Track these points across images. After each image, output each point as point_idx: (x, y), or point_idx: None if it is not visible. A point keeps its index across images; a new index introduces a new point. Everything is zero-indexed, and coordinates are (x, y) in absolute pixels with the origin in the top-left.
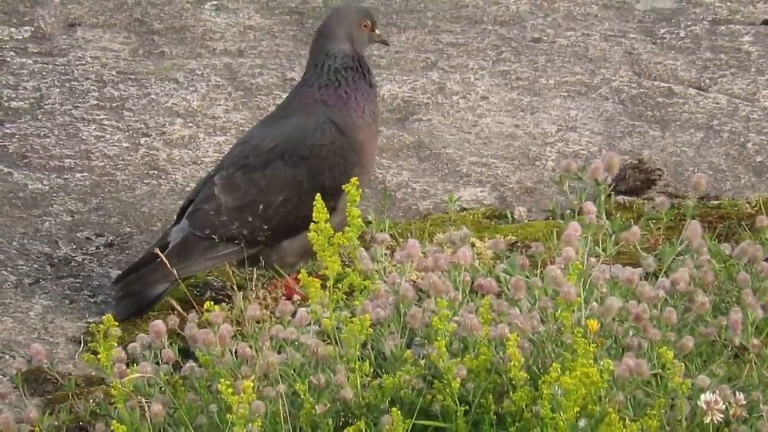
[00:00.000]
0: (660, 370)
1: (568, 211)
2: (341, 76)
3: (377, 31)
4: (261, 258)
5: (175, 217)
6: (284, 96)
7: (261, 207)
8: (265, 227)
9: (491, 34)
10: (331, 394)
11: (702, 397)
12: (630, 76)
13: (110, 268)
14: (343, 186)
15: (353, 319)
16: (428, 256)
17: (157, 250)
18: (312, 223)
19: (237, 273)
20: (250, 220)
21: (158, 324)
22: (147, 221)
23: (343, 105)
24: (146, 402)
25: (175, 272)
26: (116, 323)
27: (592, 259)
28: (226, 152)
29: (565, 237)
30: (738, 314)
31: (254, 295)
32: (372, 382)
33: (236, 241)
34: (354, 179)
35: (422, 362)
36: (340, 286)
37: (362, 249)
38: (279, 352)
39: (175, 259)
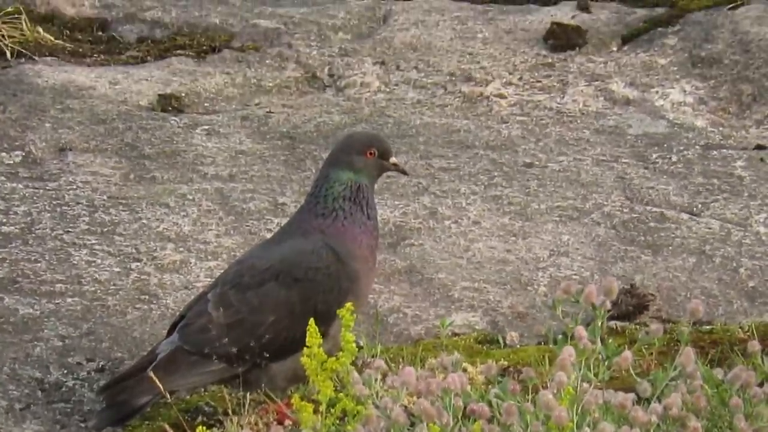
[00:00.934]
0: None
1: (560, 336)
2: (338, 206)
3: (393, 160)
4: (251, 379)
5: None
6: (275, 221)
7: (252, 326)
8: (255, 347)
9: (483, 159)
10: None
11: None
12: (622, 200)
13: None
14: (338, 311)
15: None
16: (420, 381)
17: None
18: (305, 348)
19: (229, 398)
20: (240, 338)
21: None
22: (138, 346)
23: (341, 235)
24: None
25: (160, 386)
26: None
27: (585, 384)
28: (221, 272)
29: (559, 361)
30: None
31: (246, 421)
32: None
33: (225, 359)
34: (348, 304)
35: None
36: (332, 410)
37: (355, 374)
38: None
39: (161, 372)
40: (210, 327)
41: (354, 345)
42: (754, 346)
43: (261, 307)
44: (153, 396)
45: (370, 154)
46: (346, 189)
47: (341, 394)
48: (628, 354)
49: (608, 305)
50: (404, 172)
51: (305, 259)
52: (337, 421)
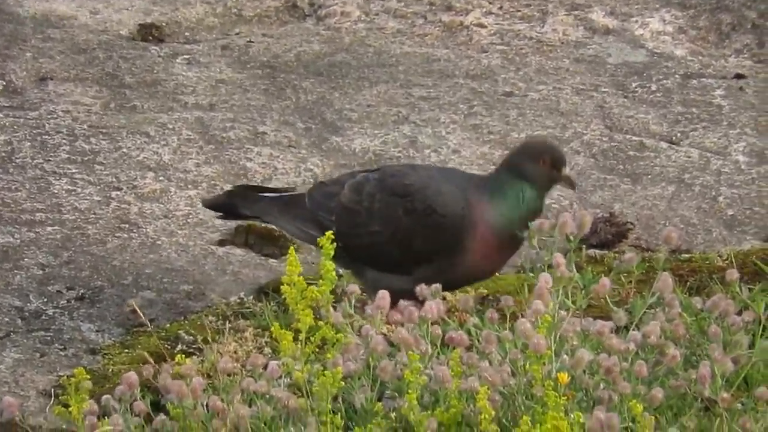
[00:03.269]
0: (630, 423)
1: (538, 265)
2: (504, 210)
3: (565, 171)
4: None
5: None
6: (255, 149)
7: (360, 222)
8: (351, 241)
9: (463, 88)
10: None
11: None
12: (601, 129)
13: (81, 321)
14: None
15: (325, 372)
16: (399, 310)
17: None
18: (285, 276)
19: (209, 327)
20: (344, 223)
21: (131, 376)
22: (118, 275)
23: (481, 223)
24: None
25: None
26: (87, 377)
27: (563, 313)
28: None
29: (536, 290)
30: (706, 368)
31: (225, 349)
32: None
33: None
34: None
35: (393, 415)
36: (312, 339)
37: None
38: (250, 405)
39: (281, 206)
40: (334, 198)
41: (334, 274)
42: (732, 274)
43: (377, 211)
44: (256, 216)
45: (543, 162)
46: (519, 202)
47: (321, 322)
48: (605, 281)
49: (580, 235)
50: (573, 187)
51: (445, 199)
52: (317, 350)
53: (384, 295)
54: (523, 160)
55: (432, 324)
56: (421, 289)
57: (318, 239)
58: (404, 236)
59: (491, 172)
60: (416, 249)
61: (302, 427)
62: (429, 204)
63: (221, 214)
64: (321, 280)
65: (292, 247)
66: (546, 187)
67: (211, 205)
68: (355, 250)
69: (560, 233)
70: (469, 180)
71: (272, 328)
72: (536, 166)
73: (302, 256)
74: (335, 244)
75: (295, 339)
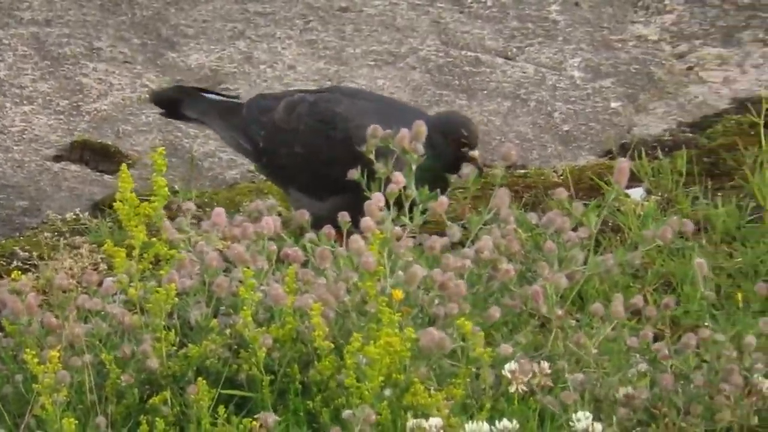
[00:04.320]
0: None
1: (373, 182)
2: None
3: (473, 153)
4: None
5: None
6: (91, 65)
7: (286, 142)
8: (278, 160)
9: (299, 3)
10: (137, 364)
11: (506, 366)
12: (437, 45)
13: None
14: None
15: (159, 288)
16: (235, 226)
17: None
18: (118, 193)
19: (45, 243)
20: (272, 143)
21: None
22: None
23: None
24: None
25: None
26: None
27: (398, 229)
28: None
29: (368, 206)
30: (540, 284)
31: (61, 265)
32: (178, 352)
33: (253, 148)
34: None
35: (228, 332)
36: (145, 256)
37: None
38: (85, 322)
39: (219, 111)
40: (268, 113)
41: (166, 190)
42: (562, 192)
43: (302, 134)
44: (196, 118)
45: (452, 141)
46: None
47: (154, 239)
48: (443, 199)
49: (420, 149)
50: (480, 169)
51: (361, 132)
52: (152, 266)
53: (219, 212)
54: (436, 133)
55: (269, 240)
56: (257, 205)
57: (150, 155)
58: (322, 163)
59: (421, 109)
60: (333, 177)
61: (137, 344)
62: (348, 135)
63: (163, 111)
64: (154, 197)
65: (124, 164)
66: (451, 164)
67: (158, 98)
68: (278, 169)
69: (397, 147)
70: (401, 119)
71: (106, 245)
72: (445, 142)
73: (137, 171)
74: (260, 159)
75: (130, 255)
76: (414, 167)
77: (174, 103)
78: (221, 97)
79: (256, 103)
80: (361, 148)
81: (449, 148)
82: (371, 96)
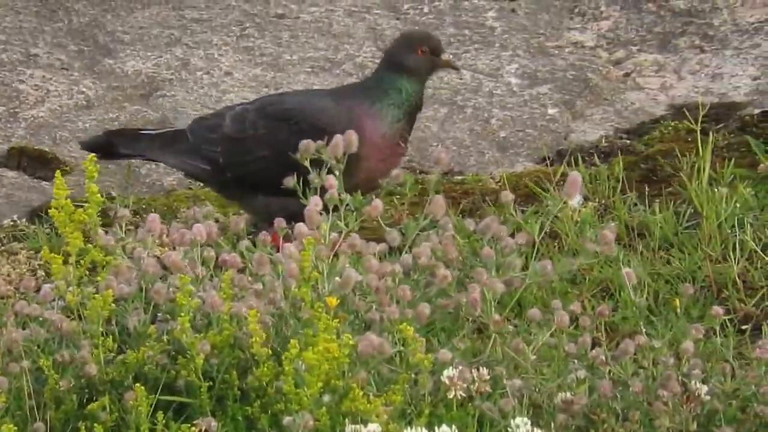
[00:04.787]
0: (402, 348)
1: (311, 187)
2: (388, 110)
3: (444, 56)
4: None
5: None
6: (28, 72)
7: (247, 149)
8: (242, 169)
9: (235, 10)
10: (76, 370)
11: (445, 372)
12: (374, 51)
13: None
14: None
15: (96, 294)
16: (172, 233)
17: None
18: (53, 200)
19: None
20: (233, 154)
21: None
22: None
23: (364, 126)
24: None
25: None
26: None
27: (335, 235)
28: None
29: (306, 212)
30: (477, 291)
31: None
32: (116, 358)
33: (211, 165)
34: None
35: (166, 338)
36: (82, 262)
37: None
38: (23, 328)
39: (161, 142)
40: (217, 130)
41: (99, 196)
42: (507, 196)
43: (263, 137)
44: (138, 154)
45: (422, 51)
46: (402, 98)
47: (90, 245)
48: (378, 203)
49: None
50: (456, 68)
51: (329, 115)
52: (89, 273)
53: (154, 219)
54: (402, 53)
55: (208, 246)
56: (194, 211)
57: (82, 162)
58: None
59: (366, 78)
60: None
61: (75, 350)
62: (313, 123)
63: (99, 154)
64: (87, 203)
65: (58, 171)
66: (427, 75)
67: (90, 146)
68: (247, 177)
69: (330, 156)
70: (343, 92)
71: (43, 252)
72: (415, 56)
73: (75, 178)
74: (223, 175)
75: (67, 262)
76: (390, 115)
77: (108, 145)
78: (155, 131)
79: (199, 125)
80: (333, 131)
81: (421, 58)
82: (296, 91)
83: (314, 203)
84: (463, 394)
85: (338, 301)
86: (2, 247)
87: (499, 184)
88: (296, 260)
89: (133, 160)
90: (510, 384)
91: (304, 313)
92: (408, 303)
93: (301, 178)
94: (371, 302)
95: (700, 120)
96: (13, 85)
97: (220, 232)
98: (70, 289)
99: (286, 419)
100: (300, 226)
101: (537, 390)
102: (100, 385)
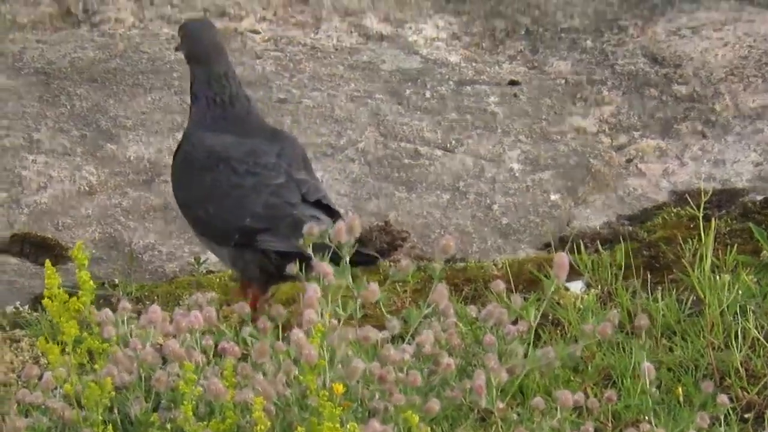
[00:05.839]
0: None
1: (314, 274)
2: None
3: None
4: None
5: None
6: (31, 157)
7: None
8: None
9: None
10: None
11: None
12: (376, 137)
13: None
14: (72, 251)
15: (93, 383)
16: (169, 321)
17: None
18: (46, 288)
19: None
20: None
21: None
22: None
23: None
24: None
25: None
26: None
27: (335, 322)
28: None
29: (306, 299)
30: (482, 378)
31: (2, 359)
32: None
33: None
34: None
35: (169, 426)
36: (79, 350)
37: (108, 312)
38: (26, 416)
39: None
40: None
41: (91, 283)
42: (498, 285)
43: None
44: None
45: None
46: None
47: (86, 333)
48: (374, 287)
49: (352, 242)
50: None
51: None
52: (87, 359)
53: (155, 310)
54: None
55: (208, 333)
56: (196, 297)
57: (71, 251)
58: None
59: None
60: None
61: None
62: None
63: None
64: (81, 291)
65: (48, 260)
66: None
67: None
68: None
69: (334, 241)
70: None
71: (38, 342)
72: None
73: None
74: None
75: (63, 351)
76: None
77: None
78: None
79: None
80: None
81: None
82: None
83: (313, 290)
84: None
85: (343, 388)
86: (5, 334)
87: (502, 270)
88: (303, 347)
89: (134, 246)
90: None
91: (309, 401)
92: (413, 390)
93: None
94: (375, 390)
95: (702, 206)
96: (15, 170)
97: (223, 318)
98: (69, 377)
99: None
100: (308, 313)
101: None
102: None
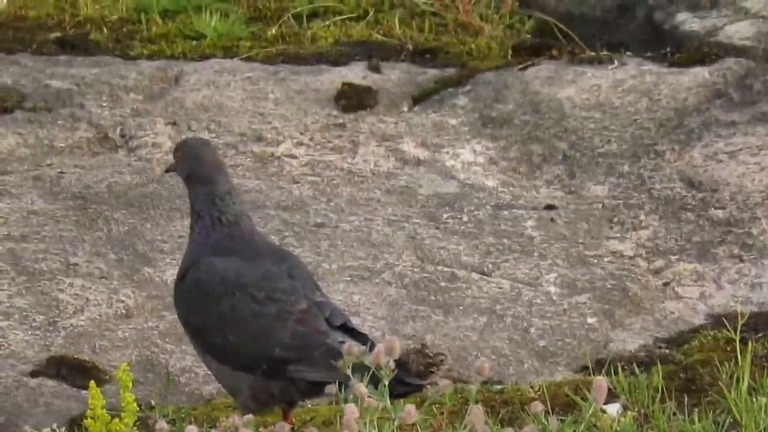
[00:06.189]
0: None
1: (351, 396)
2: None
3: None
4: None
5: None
6: (67, 281)
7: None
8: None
9: (274, 219)
10: None
11: None
12: (413, 260)
13: None
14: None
15: None
16: None
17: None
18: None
19: None
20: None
21: None
22: None
23: None
24: None
25: None
26: None
27: None
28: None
29: (345, 421)
30: None
31: None
32: None
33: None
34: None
35: None
36: None
37: None
38: None
39: None
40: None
41: (135, 405)
42: (537, 406)
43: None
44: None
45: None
46: None
47: None
48: (411, 408)
49: (392, 365)
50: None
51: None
52: None
53: (192, 429)
54: None
55: None
56: (233, 420)
57: (114, 372)
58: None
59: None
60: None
61: None
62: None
63: None
64: (123, 412)
65: (92, 381)
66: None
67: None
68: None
69: (373, 362)
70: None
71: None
72: None
73: (115, 387)
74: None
75: None
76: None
77: None
78: None
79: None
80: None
81: None
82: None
83: (350, 411)
84: None
85: None
86: None
87: (538, 393)
88: None
89: (171, 369)
90: None
91: None
92: None
93: None
94: None
95: (739, 329)
96: (52, 294)
97: None
98: None
99: None
100: None
101: None
102: None
